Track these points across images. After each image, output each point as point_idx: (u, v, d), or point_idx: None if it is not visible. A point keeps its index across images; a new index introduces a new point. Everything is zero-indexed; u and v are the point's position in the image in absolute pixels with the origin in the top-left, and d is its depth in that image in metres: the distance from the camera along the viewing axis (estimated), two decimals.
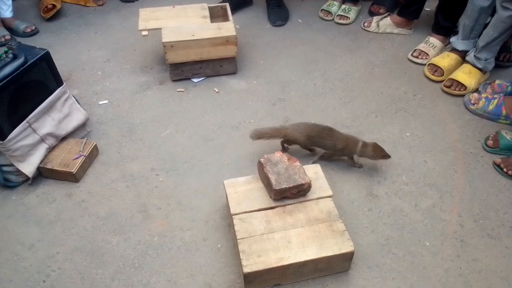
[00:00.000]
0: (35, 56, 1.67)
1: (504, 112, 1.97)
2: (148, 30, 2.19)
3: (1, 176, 1.68)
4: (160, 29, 2.16)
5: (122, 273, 1.46)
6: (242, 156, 1.85)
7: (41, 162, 1.73)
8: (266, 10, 2.77)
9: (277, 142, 1.90)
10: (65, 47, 2.51)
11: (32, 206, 1.67)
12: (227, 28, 2.16)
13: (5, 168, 1.69)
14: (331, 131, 1.74)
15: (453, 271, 1.45)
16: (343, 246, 1.36)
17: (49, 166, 1.73)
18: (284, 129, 1.78)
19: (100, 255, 1.51)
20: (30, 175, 1.69)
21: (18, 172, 1.69)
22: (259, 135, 1.77)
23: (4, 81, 1.55)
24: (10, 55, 1.61)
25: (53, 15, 2.73)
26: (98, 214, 1.64)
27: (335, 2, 2.75)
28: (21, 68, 1.60)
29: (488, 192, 1.70)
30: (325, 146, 1.74)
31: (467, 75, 2.14)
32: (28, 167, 1.69)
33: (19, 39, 2.53)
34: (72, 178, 1.73)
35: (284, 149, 1.82)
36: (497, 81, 2.13)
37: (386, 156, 1.71)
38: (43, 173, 1.76)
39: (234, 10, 2.61)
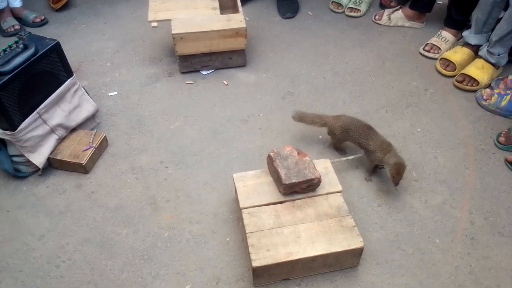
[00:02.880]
0: (46, 46, 1.67)
1: None
2: (157, 21, 2.17)
3: (11, 166, 1.69)
4: (169, 20, 2.15)
5: (131, 265, 1.47)
6: (251, 150, 1.85)
7: (51, 153, 1.74)
8: (276, 2, 2.74)
9: (287, 137, 1.90)
10: (75, 38, 2.51)
11: (42, 196, 1.68)
12: (237, 20, 2.14)
13: (15, 159, 1.70)
14: (370, 129, 1.69)
15: (463, 269, 1.44)
16: (353, 242, 1.36)
17: (59, 157, 1.73)
18: (326, 117, 1.78)
19: (110, 247, 1.52)
20: (40, 166, 1.70)
21: (29, 163, 1.70)
22: (301, 117, 1.80)
23: (15, 71, 1.55)
24: (21, 45, 1.61)
25: (63, 5, 2.72)
26: (107, 206, 1.65)
27: None
28: (32, 59, 1.60)
29: (499, 190, 1.68)
30: (360, 143, 1.69)
31: (479, 70, 2.11)
32: (39, 158, 1.69)
33: (28, 29, 2.53)
34: (82, 169, 1.74)
35: (341, 151, 1.82)
36: (510, 77, 2.09)
37: (396, 181, 1.59)
38: (53, 164, 1.77)
39: (243, 1, 2.58)
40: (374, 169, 1.73)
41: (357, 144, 1.73)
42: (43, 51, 1.65)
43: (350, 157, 1.74)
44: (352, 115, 1.94)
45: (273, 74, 2.25)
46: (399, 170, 1.58)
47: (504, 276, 1.43)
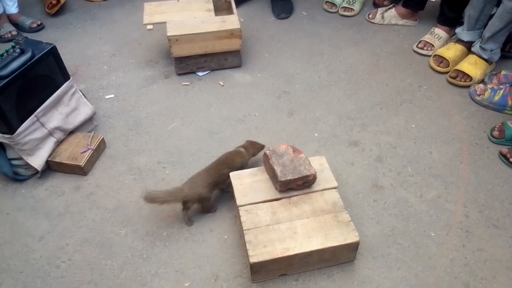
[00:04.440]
0: (42, 50, 1.69)
1: (510, 102, 1.97)
2: (153, 24, 2.20)
3: (10, 169, 1.71)
4: (165, 23, 2.17)
5: (130, 264, 1.49)
6: None
7: (49, 156, 1.75)
8: (270, 3, 2.76)
9: (283, 135, 1.92)
10: (71, 42, 2.53)
11: (41, 199, 1.70)
12: (232, 21, 2.16)
13: (14, 162, 1.72)
14: (224, 160, 1.63)
15: (458, 261, 1.46)
16: (348, 236, 1.37)
17: (57, 159, 1.75)
18: (179, 189, 1.52)
19: (109, 247, 1.54)
20: (39, 169, 1.72)
21: (27, 166, 1.72)
22: (151, 199, 1.48)
23: (12, 75, 1.56)
24: (18, 50, 1.63)
25: (59, 10, 2.74)
26: (106, 207, 1.67)
27: None
28: (29, 63, 1.62)
29: (493, 183, 1.70)
30: (223, 180, 1.61)
31: (472, 66, 2.14)
32: (37, 161, 1.71)
33: (25, 34, 2.55)
34: (80, 171, 1.75)
35: (186, 213, 1.59)
36: (503, 72, 2.12)
37: (260, 145, 1.74)
38: (51, 167, 1.79)
39: (238, 3, 2.61)
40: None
41: (223, 185, 1.64)
42: (40, 55, 1.67)
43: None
44: (347, 113, 1.98)
45: (268, 74, 2.27)
46: (253, 144, 1.74)
47: (499, 267, 1.44)
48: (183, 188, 1.53)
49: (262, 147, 1.76)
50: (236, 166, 1.64)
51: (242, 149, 1.70)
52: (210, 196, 1.59)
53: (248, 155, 1.71)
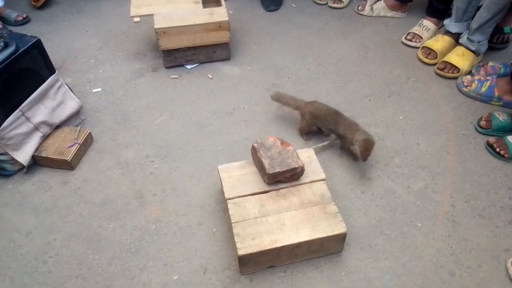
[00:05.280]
0: (27, 44, 1.66)
1: (496, 94, 1.98)
2: (140, 16, 2.17)
3: None
4: (152, 15, 2.15)
5: (118, 258, 1.48)
6: (236, 142, 1.86)
7: (35, 151, 1.74)
8: None
9: (272, 128, 1.92)
10: (57, 35, 2.50)
11: (28, 194, 1.68)
12: (220, 13, 2.14)
13: (0, 157, 1.70)
14: (337, 115, 1.74)
15: (444, 251, 1.48)
16: (336, 227, 1.38)
17: (43, 154, 1.73)
18: (300, 101, 1.84)
19: (97, 241, 1.53)
20: (25, 164, 1.70)
21: (13, 161, 1.70)
22: (278, 97, 1.88)
23: None
24: (1, 43, 1.61)
25: (45, 3, 2.70)
26: (94, 201, 1.66)
27: None
28: (13, 56, 1.60)
29: (479, 173, 1.72)
30: (330, 129, 1.77)
31: (460, 58, 2.15)
32: (23, 156, 1.69)
33: (11, 28, 2.51)
34: (67, 166, 1.74)
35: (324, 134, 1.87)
36: (490, 63, 2.13)
37: (364, 157, 1.65)
38: (38, 162, 1.77)
39: None
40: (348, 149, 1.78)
41: (327, 130, 1.80)
42: (24, 48, 1.64)
43: (320, 144, 1.80)
44: (336, 105, 1.97)
45: (257, 66, 2.26)
46: (367, 146, 1.64)
47: (484, 256, 1.46)
48: (303, 101, 1.84)
49: (362, 155, 1.65)
50: (340, 132, 1.71)
51: (361, 130, 1.67)
52: (308, 123, 1.81)
53: (354, 139, 1.66)
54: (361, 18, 2.59)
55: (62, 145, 1.76)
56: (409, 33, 2.39)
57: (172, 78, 2.19)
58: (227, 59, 2.29)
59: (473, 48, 2.14)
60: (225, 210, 1.55)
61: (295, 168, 1.47)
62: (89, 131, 1.84)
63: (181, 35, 2.10)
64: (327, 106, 1.79)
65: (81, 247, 1.52)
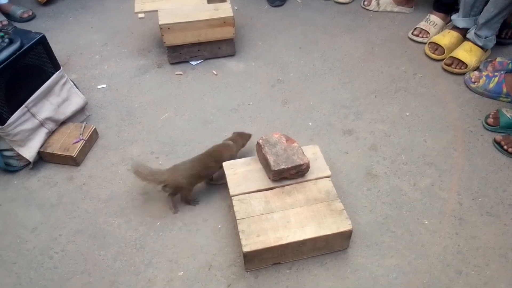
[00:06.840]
0: (31, 40, 1.66)
1: (504, 90, 1.96)
2: (144, 12, 2.16)
3: (2, 161, 1.69)
4: (156, 11, 2.14)
5: (124, 254, 1.48)
6: None
7: (41, 147, 1.74)
8: None
9: (277, 124, 1.91)
10: (62, 32, 2.50)
11: (34, 190, 1.69)
12: (224, 9, 2.13)
13: (6, 153, 1.71)
14: (205, 156, 1.59)
15: (451, 249, 1.46)
16: (341, 224, 1.37)
17: (49, 150, 1.74)
18: (161, 173, 1.52)
19: (102, 237, 1.53)
20: (31, 160, 1.70)
21: (19, 157, 1.71)
22: (135, 171, 1.51)
23: (1, 65, 1.54)
24: (6, 40, 1.60)
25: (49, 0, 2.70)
26: (99, 197, 1.66)
27: None
28: (18, 53, 1.60)
29: (487, 170, 1.70)
30: (213, 172, 1.61)
31: (467, 53, 2.12)
32: (29, 152, 1.70)
33: (16, 24, 2.52)
34: (73, 162, 1.74)
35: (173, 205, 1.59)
36: (498, 59, 2.10)
37: (247, 135, 1.71)
38: (43, 158, 1.77)
39: None
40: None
41: (209, 178, 1.65)
42: (29, 44, 1.64)
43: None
44: (341, 101, 1.96)
45: (262, 62, 2.24)
46: (241, 135, 1.71)
47: (492, 254, 1.45)
48: (165, 172, 1.53)
49: (250, 136, 1.73)
50: (224, 160, 1.59)
51: (230, 142, 1.68)
52: (190, 188, 1.56)
53: (236, 147, 1.68)
54: (367, 13, 2.56)
55: (68, 141, 1.76)
56: (416, 28, 2.37)
57: (177, 74, 2.18)
58: (232, 55, 2.27)
59: (480, 44, 2.12)
60: (230, 206, 1.54)
61: (301, 165, 1.46)
62: (94, 127, 1.84)
63: (185, 31, 2.10)
64: (189, 160, 1.57)
65: (86, 242, 1.52)
